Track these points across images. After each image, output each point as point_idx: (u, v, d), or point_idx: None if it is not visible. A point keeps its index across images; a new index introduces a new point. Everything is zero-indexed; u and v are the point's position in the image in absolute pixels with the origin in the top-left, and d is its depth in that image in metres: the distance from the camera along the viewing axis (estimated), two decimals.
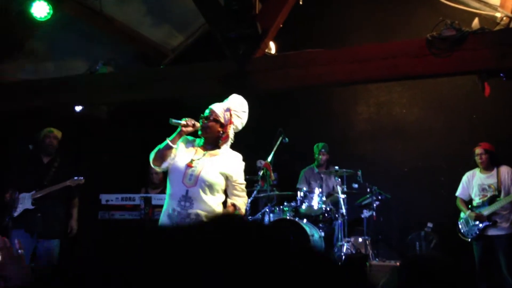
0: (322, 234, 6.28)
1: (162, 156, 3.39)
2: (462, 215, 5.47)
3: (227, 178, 3.45)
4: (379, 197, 6.45)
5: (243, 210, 3.58)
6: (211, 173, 3.36)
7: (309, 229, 6.02)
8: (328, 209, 6.41)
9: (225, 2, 4.77)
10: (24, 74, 6.22)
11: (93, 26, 6.22)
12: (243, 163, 3.55)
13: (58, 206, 5.29)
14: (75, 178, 5.24)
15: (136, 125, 7.89)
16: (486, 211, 5.19)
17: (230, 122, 3.47)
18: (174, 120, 3.41)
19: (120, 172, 7.41)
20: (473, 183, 5.44)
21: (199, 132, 3.46)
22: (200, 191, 3.33)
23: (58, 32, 6.12)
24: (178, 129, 3.41)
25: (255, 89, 5.10)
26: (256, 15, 4.81)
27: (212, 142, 3.48)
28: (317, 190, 6.36)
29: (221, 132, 3.45)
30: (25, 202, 5.09)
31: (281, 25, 5.16)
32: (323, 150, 6.85)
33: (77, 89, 5.84)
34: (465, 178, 5.55)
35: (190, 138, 3.56)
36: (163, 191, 6.43)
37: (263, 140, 6.24)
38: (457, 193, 5.56)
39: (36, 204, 5.07)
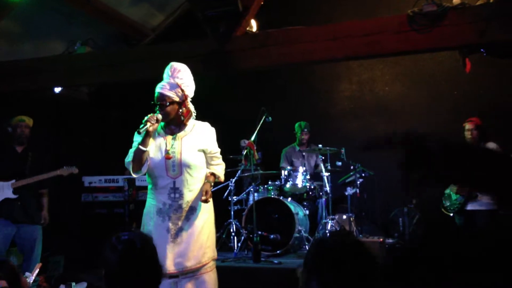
0: (307, 212, 6.32)
1: (139, 162, 3.28)
2: (446, 190, 5.52)
3: (204, 152, 3.43)
4: (363, 175, 6.49)
5: (222, 177, 3.56)
6: (190, 155, 3.33)
7: (294, 207, 6.05)
8: (312, 187, 6.44)
9: None
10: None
11: (70, 5, 6.08)
12: (213, 130, 3.49)
13: (36, 194, 5.21)
14: (65, 167, 5.13)
15: (118, 106, 7.80)
16: None
17: (185, 96, 3.33)
18: (141, 130, 3.19)
19: (102, 154, 7.34)
20: None
21: (162, 124, 3.36)
22: (187, 177, 3.31)
23: (34, 12, 5.97)
24: (144, 132, 3.21)
25: (237, 68, 5.05)
26: None
27: (175, 122, 3.38)
28: (301, 169, 6.38)
29: (181, 110, 3.32)
30: (4, 190, 5.00)
31: (262, 3, 5.10)
32: (305, 129, 6.85)
33: (55, 70, 5.73)
34: None
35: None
36: None
37: (246, 119, 6.22)
38: None
39: (17, 193, 5.00)
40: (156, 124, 3.26)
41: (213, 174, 3.47)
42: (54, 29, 6.48)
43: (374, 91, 7.40)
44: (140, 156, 3.26)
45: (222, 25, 4.84)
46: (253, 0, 4.92)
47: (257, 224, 5.49)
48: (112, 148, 7.51)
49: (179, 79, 3.33)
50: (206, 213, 3.42)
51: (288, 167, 6.54)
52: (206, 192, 3.32)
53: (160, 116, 3.26)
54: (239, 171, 6.49)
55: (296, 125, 6.93)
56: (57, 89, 6.56)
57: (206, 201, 3.32)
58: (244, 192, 6.62)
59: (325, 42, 4.58)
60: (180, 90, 3.30)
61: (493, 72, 6.31)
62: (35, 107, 5.84)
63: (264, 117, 6.05)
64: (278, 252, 5.81)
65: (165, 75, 3.39)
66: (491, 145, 5.31)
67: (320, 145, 6.43)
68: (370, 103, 7.37)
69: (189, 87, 3.38)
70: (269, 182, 6.50)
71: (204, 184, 3.39)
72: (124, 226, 5.79)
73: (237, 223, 6.16)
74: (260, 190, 6.39)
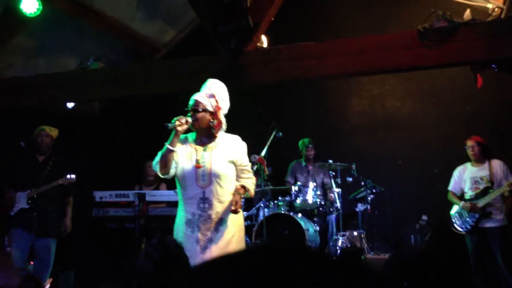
0: (317, 228, 6.28)
1: (166, 162, 3.34)
2: (455, 208, 5.46)
3: (234, 164, 3.45)
4: (374, 191, 6.45)
5: (252, 191, 3.56)
6: (221, 166, 3.36)
7: (304, 223, 6.02)
8: (322, 203, 6.40)
9: None
10: (14, 71, 6.16)
11: (83, 21, 6.17)
12: (245, 144, 3.53)
13: (53, 204, 5.24)
14: (67, 176, 5.20)
15: (129, 121, 7.85)
16: (480, 202, 5.19)
17: (218, 108, 3.41)
18: (169, 125, 3.32)
19: (113, 169, 7.37)
20: (465, 177, 5.43)
21: (190, 126, 3.39)
22: (216, 188, 3.33)
23: (49, 28, 6.07)
24: (173, 132, 3.32)
25: (248, 83, 5.08)
26: (247, 8, 4.77)
27: (206, 133, 3.44)
28: (311, 185, 6.35)
29: (212, 120, 3.39)
30: (21, 201, 5.06)
31: (272, 18, 5.13)
32: (310, 145, 6.83)
33: (69, 86, 5.79)
34: (456, 172, 5.53)
35: (181, 137, 3.48)
36: (157, 188, 6.42)
37: (256, 135, 6.22)
38: (449, 187, 5.55)
39: (32, 203, 5.04)
40: (185, 126, 3.33)
41: (243, 187, 3.47)
42: (67, 45, 6.57)
43: (385, 107, 7.37)
44: (167, 156, 3.33)
45: (233, 41, 4.87)
46: (264, 16, 4.96)
47: (267, 240, 5.46)
48: (123, 163, 7.56)
49: (215, 91, 3.43)
50: (237, 227, 3.41)
51: (298, 183, 6.52)
52: (236, 203, 3.31)
53: (190, 120, 3.34)
54: None
55: (300, 142, 6.92)
56: (70, 104, 6.63)
57: (235, 211, 3.32)
58: (254, 208, 6.60)
59: (336, 57, 4.59)
60: (214, 101, 3.40)
61: (504, 87, 6.27)
62: (48, 121, 5.88)
63: (274, 132, 6.05)
64: None
65: (202, 88, 3.50)
66: (496, 162, 5.27)
67: (330, 161, 6.40)
68: (381, 118, 7.35)
69: (224, 101, 3.47)
70: (279, 198, 6.48)
71: (234, 195, 3.39)
72: (135, 241, 5.78)
73: (247, 239, 6.13)
74: (270, 205, 6.36)
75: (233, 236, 3.36)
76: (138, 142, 7.44)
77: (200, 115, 3.35)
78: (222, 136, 3.49)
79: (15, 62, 6.30)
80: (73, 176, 5.21)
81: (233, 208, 3.30)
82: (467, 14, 4.46)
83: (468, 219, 5.27)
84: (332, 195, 6.35)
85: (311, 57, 4.68)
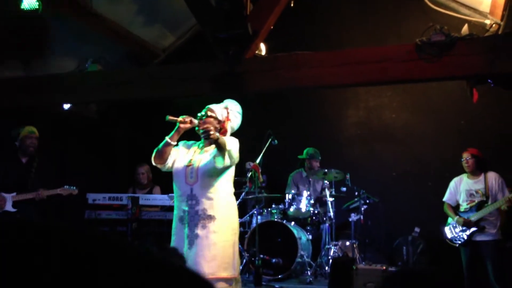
0: (310, 237, 6.29)
1: (161, 153, 3.49)
2: (449, 220, 5.49)
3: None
4: (367, 201, 6.47)
5: (224, 145, 3.33)
6: (208, 164, 3.42)
7: (297, 231, 6.02)
8: (316, 212, 6.41)
9: (216, 2, 4.76)
10: (11, 72, 6.15)
11: (83, 24, 6.18)
12: (237, 141, 3.51)
13: (39, 207, 5.18)
14: (66, 186, 5.10)
15: (125, 124, 7.85)
16: (474, 217, 5.21)
17: (227, 118, 3.56)
18: (171, 117, 3.45)
19: (108, 171, 7.36)
20: (460, 189, 5.45)
21: (196, 128, 3.51)
22: (203, 185, 3.40)
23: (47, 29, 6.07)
24: (176, 127, 3.48)
25: (245, 90, 5.09)
26: (247, 16, 4.80)
27: (211, 140, 3.46)
28: (305, 193, 6.36)
29: (219, 128, 3.53)
30: (6, 203, 4.96)
31: (272, 27, 5.16)
32: (319, 158, 6.81)
33: (66, 87, 5.78)
34: (452, 183, 5.56)
35: (189, 142, 3.67)
36: (150, 191, 6.42)
37: (252, 142, 6.23)
38: (445, 198, 5.57)
39: (17, 206, 4.96)
40: (188, 125, 3.48)
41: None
42: (66, 47, 6.57)
43: (381, 118, 7.41)
44: (164, 147, 3.48)
45: (232, 48, 4.89)
46: (263, 24, 4.98)
47: (259, 247, 5.46)
48: (117, 166, 7.55)
49: (229, 105, 3.63)
50: (225, 225, 3.41)
51: (293, 191, 6.52)
52: (207, 130, 3.30)
53: (195, 121, 3.48)
54: (243, 193, 6.48)
55: (310, 150, 6.85)
56: (66, 106, 6.62)
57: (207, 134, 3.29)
58: (248, 215, 6.60)
59: (333, 67, 4.61)
60: (226, 112, 3.57)
61: (500, 102, 6.33)
62: (44, 122, 5.88)
63: (270, 140, 6.07)
64: (279, 276, 5.76)
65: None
66: (492, 174, 5.29)
67: (325, 170, 6.42)
68: (376, 129, 7.38)
69: (235, 118, 3.61)
70: (273, 206, 6.48)
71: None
72: None
73: (240, 246, 6.12)
74: (263, 213, 6.37)
75: (220, 233, 3.37)
76: (134, 145, 7.44)
77: (208, 119, 3.50)
78: None
79: (12, 62, 6.29)
80: (74, 187, 5.12)
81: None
82: (465, 29, 4.49)
83: (461, 232, 5.29)
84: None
85: (309, 66, 4.70)
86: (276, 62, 4.89)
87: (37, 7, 5.10)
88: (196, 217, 3.37)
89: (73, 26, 6.23)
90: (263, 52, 5.31)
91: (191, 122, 3.48)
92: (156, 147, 3.54)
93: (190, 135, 3.69)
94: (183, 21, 7.40)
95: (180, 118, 3.47)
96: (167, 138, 3.48)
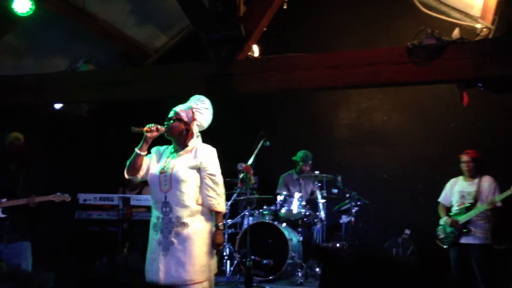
0: (301, 238, 6.30)
1: (134, 165, 3.51)
2: (441, 221, 5.52)
3: (199, 170, 3.46)
4: (358, 203, 6.50)
5: (219, 207, 3.44)
6: (181, 170, 3.42)
7: (288, 233, 6.03)
8: (307, 213, 6.43)
9: (209, 3, 4.77)
10: (2, 71, 6.11)
11: (75, 23, 6.16)
12: (215, 154, 3.54)
13: (28, 213, 5.12)
14: (59, 193, 5.05)
15: (117, 124, 7.82)
16: (462, 219, 5.25)
17: (193, 119, 3.55)
18: (136, 129, 3.49)
19: (99, 171, 7.33)
20: (454, 190, 5.48)
21: (165, 134, 3.53)
22: (177, 192, 3.39)
23: (39, 28, 6.04)
24: (144, 136, 3.50)
25: (237, 91, 5.10)
26: (240, 17, 4.82)
27: (180, 142, 3.55)
28: (296, 195, 6.38)
29: (185, 130, 3.52)
30: None
31: (264, 29, 5.17)
32: (310, 162, 6.83)
33: (57, 87, 5.75)
34: (448, 184, 5.59)
35: (161, 148, 3.66)
36: (141, 192, 6.40)
37: (244, 143, 6.24)
38: (440, 199, 5.59)
39: (6, 212, 4.90)
40: (155, 133, 3.50)
41: (217, 212, 3.47)
42: (58, 46, 6.55)
43: (372, 120, 7.46)
44: (135, 159, 3.50)
45: (224, 49, 4.90)
46: (256, 25, 5.00)
47: (250, 248, 5.47)
48: (109, 166, 7.51)
49: (194, 105, 3.59)
50: (198, 231, 3.40)
51: (284, 193, 6.54)
52: (218, 243, 3.48)
53: (163, 129, 3.51)
54: (234, 195, 6.48)
55: (302, 154, 6.87)
56: (58, 105, 6.59)
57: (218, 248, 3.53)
58: (239, 216, 6.61)
59: (325, 70, 4.63)
60: (191, 112, 3.55)
61: (489, 106, 6.38)
62: (35, 121, 5.85)
63: (262, 141, 6.07)
64: (270, 277, 5.77)
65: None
66: (486, 178, 5.33)
67: (316, 172, 6.44)
68: (368, 132, 7.42)
69: (202, 115, 3.59)
70: (264, 207, 6.49)
71: (216, 234, 3.46)
72: (117, 245, 5.74)
73: (231, 247, 6.13)
74: (255, 214, 6.37)
75: (194, 239, 3.36)
76: (125, 145, 7.41)
77: (173, 124, 3.51)
78: (194, 145, 3.54)
79: (4, 61, 6.26)
80: (66, 194, 5.08)
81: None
82: (456, 33, 4.53)
83: (450, 233, 5.33)
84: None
85: (301, 68, 4.72)
86: (268, 64, 4.90)
87: (30, 11, 5.08)
88: (170, 224, 3.37)
89: (65, 25, 6.21)
90: (256, 54, 5.33)
91: (157, 130, 3.50)
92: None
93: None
94: (175, 22, 7.40)
95: (146, 127, 3.48)
96: (136, 150, 3.50)
